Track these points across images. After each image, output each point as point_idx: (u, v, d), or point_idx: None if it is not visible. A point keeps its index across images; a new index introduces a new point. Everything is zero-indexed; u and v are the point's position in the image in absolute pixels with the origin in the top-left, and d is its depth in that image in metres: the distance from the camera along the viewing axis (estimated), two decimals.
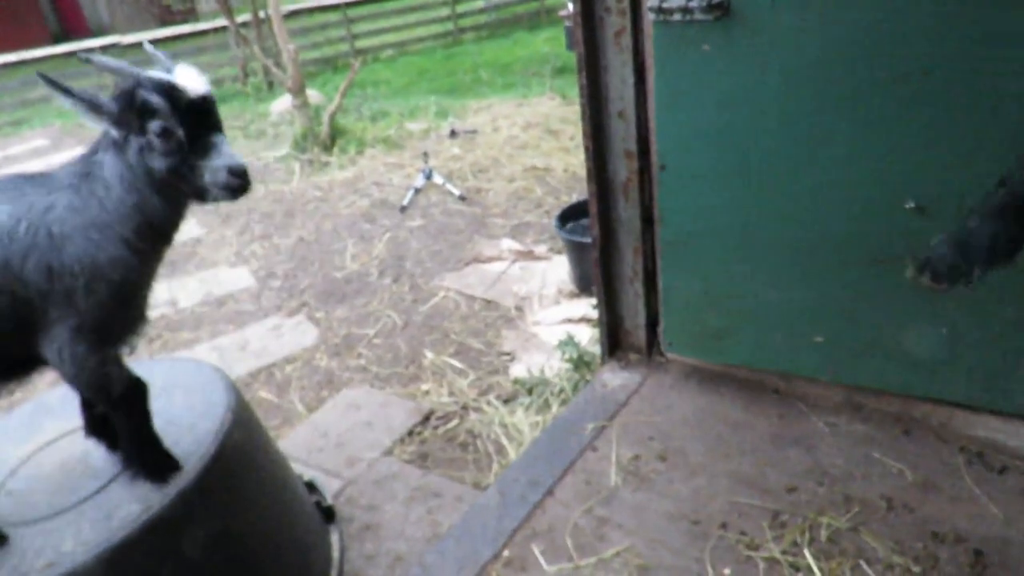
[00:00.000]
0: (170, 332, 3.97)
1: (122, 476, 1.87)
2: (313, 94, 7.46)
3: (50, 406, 2.25)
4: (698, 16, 1.94)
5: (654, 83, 2.12)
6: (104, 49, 12.60)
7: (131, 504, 1.76)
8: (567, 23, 3.27)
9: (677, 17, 1.96)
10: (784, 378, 2.38)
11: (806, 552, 1.83)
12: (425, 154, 5.29)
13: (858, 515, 1.92)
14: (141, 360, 3.17)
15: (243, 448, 2.05)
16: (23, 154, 8.04)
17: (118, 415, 1.76)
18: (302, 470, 2.75)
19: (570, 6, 2.55)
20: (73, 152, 7.69)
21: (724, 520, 1.96)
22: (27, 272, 1.54)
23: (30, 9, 23.75)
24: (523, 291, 3.78)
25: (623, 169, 2.36)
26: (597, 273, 2.57)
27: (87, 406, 1.95)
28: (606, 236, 2.50)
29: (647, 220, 2.41)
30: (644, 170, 2.34)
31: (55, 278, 1.56)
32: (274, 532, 2.10)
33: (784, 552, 1.84)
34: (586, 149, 2.38)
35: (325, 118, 6.08)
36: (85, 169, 1.61)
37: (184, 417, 2.04)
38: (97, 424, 1.97)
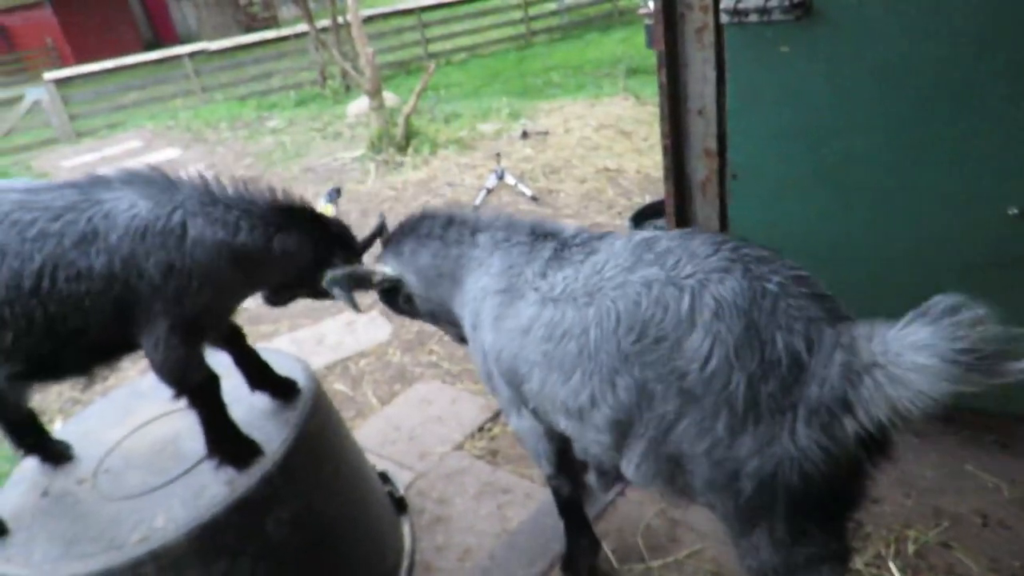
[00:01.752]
0: (252, 325, 4.11)
1: (209, 458, 1.95)
2: (388, 96, 7.62)
3: (142, 391, 2.37)
4: (777, 17, 1.89)
5: (728, 88, 2.08)
6: (192, 55, 13.18)
7: (218, 485, 1.84)
8: (647, 21, 3.23)
9: (753, 18, 1.92)
10: None
11: (891, 565, 1.76)
12: (497, 155, 5.33)
13: (948, 530, 1.83)
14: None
15: (323, 435, 2.11)
16: (119, 154, 8.50)
17: (194, 404, 1.84)
18: (375, 461, 2.81)
19: (650, 4, 2.53)
20: (164, 152, 8.08)
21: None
22: (148, 267, 1.62)
23: (124, 19, 25.11)
24: None
25: (702, 168, 2.33)
26: None
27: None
28: None
29: (725, 219, 2.36)
30: (723, 169, 2.29)
31: (172, 277, 1.65)
32: (352, 517, 2.15)
33: (868, 564, 1.78)
34: (664, 148, 2.35)
35: (400, 120, 6.20)
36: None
37: (268, 404, 2.11)
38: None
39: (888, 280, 2.05)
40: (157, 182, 1.71)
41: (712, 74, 2.17)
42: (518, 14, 15.00)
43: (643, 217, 3.68)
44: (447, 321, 1.92)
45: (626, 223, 3.78)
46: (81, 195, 1.63)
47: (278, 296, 2.05)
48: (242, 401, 2.15)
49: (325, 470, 2.08)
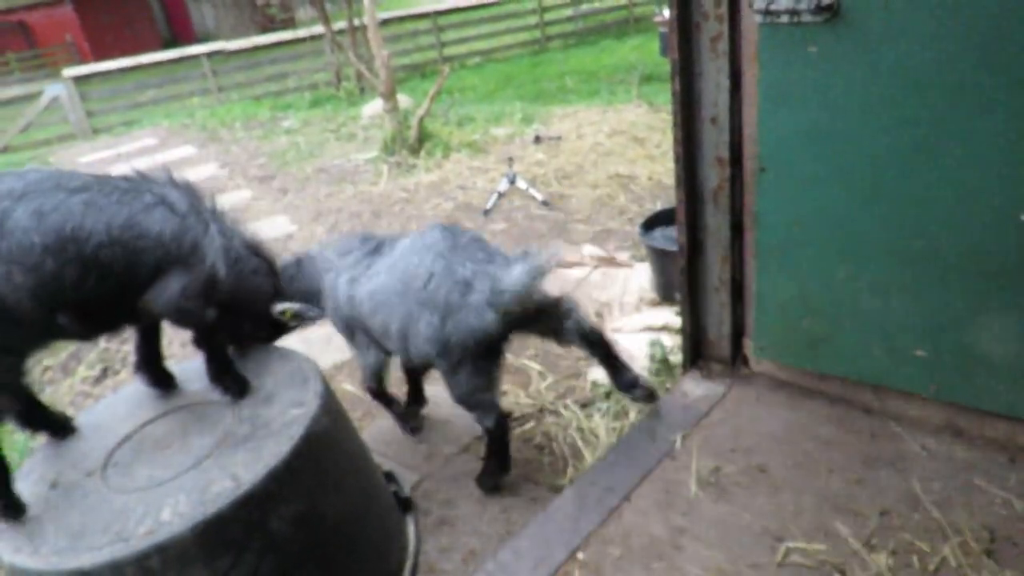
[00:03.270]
0: None
1: (216, 454, 1.97)
2: (402, 99, 7.65)
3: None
4: (806, 18, 1.90)
5: (758, 85, 2.08)
6: (210, 55, 13.29)
7: (224, 480, 1.85)
8: (662, 29, 3.24)
9: (784, 19, 1.93)
10: (877, 396, 2.28)
11: None
12: (510, 159, 5.35)
13: (956, 545, 1.82)
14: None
15: (329, 433, 2.12)
16: (133, 152, 8.57)
17: (204, 340, 2.17)
18: (381, 461, 2.82)
19: (665, 12, 2.53)
20: (179, 150, 8.14)
21: (809, 539, 1.89)
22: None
23: (143, 18, 25.36)
24: (604, 297, 3.76)
25: (714, 176, 2.33)
26: (683, 281, 2.53)
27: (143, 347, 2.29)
28: (693, 244, 2.46)
29: (736, 228, 2.36)
30: (735, 177, 2.29)
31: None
32: (356, 515, 2.16)
33: None
34: (676, 155, 2.36)
35: (414, 122, 6.23)
36: None
37: (274, 401, 2.13)
38: (145, 364, 2.30)
39: (905, 280, 2.05)
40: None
41: (726, 83, 2.18)
42: (533, 19, 15.05)
43: (653, 224, 3.68)
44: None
45: (637, 229, 3.78)
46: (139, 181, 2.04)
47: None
48: (254, 395, 2.18)
49: (331, 469, 2.09)
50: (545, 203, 4.94)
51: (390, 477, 2.64)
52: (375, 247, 2.65)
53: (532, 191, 5.04)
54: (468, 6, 16.38)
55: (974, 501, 1.94)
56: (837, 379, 2.35)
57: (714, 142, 2.28)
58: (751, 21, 2.05)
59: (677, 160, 2.36)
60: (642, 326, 3.41)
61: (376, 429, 3.08)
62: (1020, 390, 1.98)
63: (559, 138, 6.31)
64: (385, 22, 15.26)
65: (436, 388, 3.28)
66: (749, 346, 2.53)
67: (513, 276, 2.17)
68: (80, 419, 2.30)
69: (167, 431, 2.16)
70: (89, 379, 3.91)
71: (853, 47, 1.86)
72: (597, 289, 3.86)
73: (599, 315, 3.63)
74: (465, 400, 2.47)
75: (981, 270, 1.90)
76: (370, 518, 2.23)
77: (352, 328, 2.70)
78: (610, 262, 4.06)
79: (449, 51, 14.55)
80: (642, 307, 3.61)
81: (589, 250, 4.23)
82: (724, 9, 2.09)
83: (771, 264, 2.27)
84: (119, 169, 7.75)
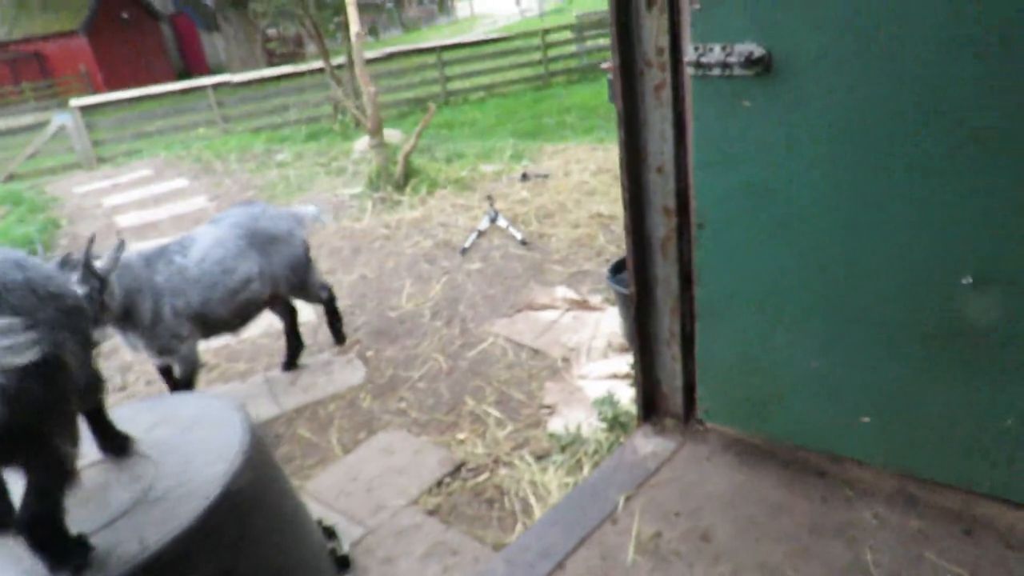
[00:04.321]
0: (229, 362, 4.08)
1: (131, 512, 1.89)
2: (394, 133, 7.68)
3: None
4: (737, 72, 1.84)
5: (693, 139, 2.03)
6: (215, 87, 13.46)
7: (131, 543, 1.77)
8: (609, 76, 3.18)
9: (716, 72, 1.87)
10: (831, 459, 2.18)
11: None
12: (489, 197, 5.30)
13: None
14: (174, 395, 3.28)
15: (253, 489, 2.03)
16: (128, 183, 8.62)
17: None
18: (327, 514, 2.74)
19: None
20: (172, 183, 8.17)
21: None
22: None
23: (156, 50, 25.83)
24: (572, 342, 3.68)
25: (661, 226, 2.26)
26: (634, 332, 2.45)
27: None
28: (643, 294, 2.38)
29: (685, 279, 2.28)
30: (683, 228, 2.22)
31: None
32: None
33: None
34: (624, 203, 2.29)
35: (399, 158, 6.22)
36: None
37: (199, 456, 2.05)
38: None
39: (847, 343, 1.96)
40: None
41: (670, 132, 2.12)
42: (537, 55, 15.18)
43: (622, 267, 3.60)
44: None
45: (606, 272, 3.71)
46: None
47: None
48: (179, 450, 2.10)
49: (253, 528, 2.00)
50: (524, 242, 4.88)
51: (330, 533, 2.55)
52: (176, 248, 3.32)
53: (512, 230, 4.99)
54: (473, 42, 16.62)
55: (925, 575, 1.82)
56: (790, 441, 2.24)
57: (661, 191, 2.21)
58: (689, 74, 1.99)
59: (625, 208, 2.30)
60: (608, 373, 3.32)
61: (328, 477, 2.99)
62: (973, 461, 1.88)
63: (546, 175, 6.27)
64: (391, 56, 15.50)
65: (392, 435, 3.20)
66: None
67: None
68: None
69: (92, 484, 2.07)
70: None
71: (787, 102, 1.80)
72: (567, 333, 3.78)
73: (566, 360, 3.55)
74: None
75: (925, 335, 1.81)
76: None
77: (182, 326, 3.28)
78: (582, 305, 3.98)
79: (453, 85, 14.68)
80: (610, 353, 3.52)
81: (562, 292, 4.16)
82: (667, 58, 2.04)
83: (713, 322, 2.19)
84: (112, 200, 7.78)
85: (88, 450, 2.16)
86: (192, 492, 1.90)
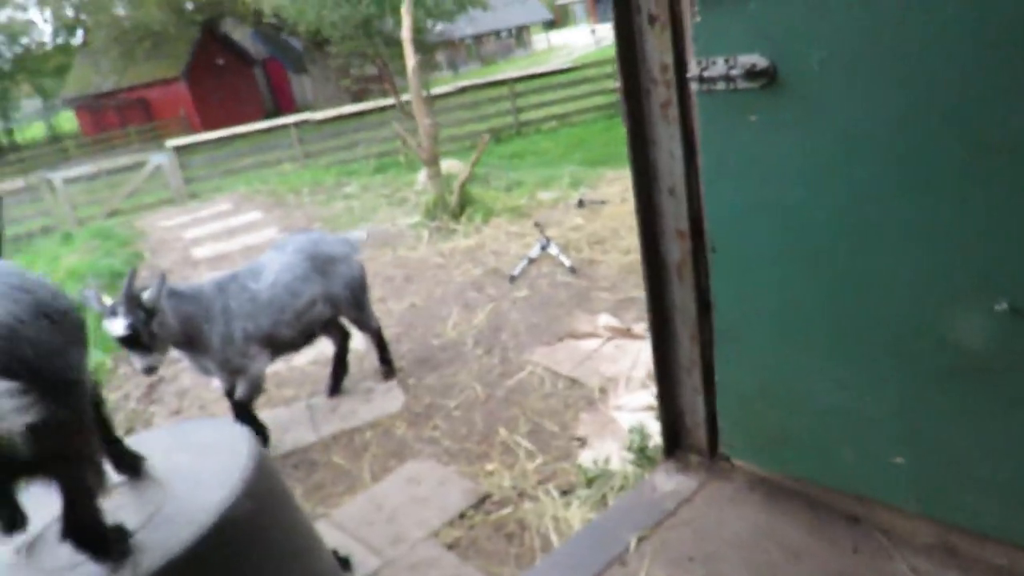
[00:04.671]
0: (277, 388, 4.16)
1: (134, 537, 1.90)
2: (456, 164, 7.78)
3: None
4: (742, 85, 1.73)
5: (701, 157, 1.92)
6: (297, 125, 14.09)
7: (124, 569, 1.78)
8: (618, 95, 3.09)
9: (721, 86, 1.77)
10: (863, 503, 1.98)
11: None
12: (536, 224, 5.26)
13: None
14: (191, 421, 3.38)
15: (252, 519, 2.02)
16: (207, 216, 9.07)
17: None
18: (347, 543, 2.71)
19: None
20: (248, 215, 8.53)
21: None
22: None
23: (250, 91, 27.36)
24: (611, 372, 3.56)
25: (676, 250, 2.15)
26: (655, 362, 2.33)
27: None
28: (661, 323, 2.27)
29: (703, 306, 2.16)
30: (698, 251, 2.10)
31: None
32: None
33: None
34: (639, 228, 2.19)
35: (455, 188, 6.27)
36: None
37: (205, 482, 2.06)
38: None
39: (873, 375, 1.78)
40: None
41: (679, 151, 2.02)
42: (610, 83, 15.14)
43: None
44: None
45: None
46: None
47: None
48: (184, 474, 2.12)
49: (250, 558, 1.99)
50: (572, 269, 4.80)
51: (345, 563, 2.51)
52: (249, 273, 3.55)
53: (562, 257, 4.91)
54: (544, 72, 16.74)
55: None
56: (817, 482, 2.06)
57: (673, 214, 2.11)
58: (693, 89, 1.89)
59: (640, 233, 2.20)
60: (644, 404, 3.18)
61: (353, 506, 2.97)
62: (1017, 514, 1.66)
63: (603, 202, 6.18)
64: (464, 89, 15.82)
65: (421, 465, 3.16)
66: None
67: None
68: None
69: (107, 507, 2.12)
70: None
71: (794, 115, 1.68)
72: (606, 362, 3.66)
73: (603, 391, 3.42)
74: None
75: (958, 367, 1.63)
76: None
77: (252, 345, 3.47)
78: (625, 333, 3.85)
79: (525, 116, 14.84)
80: (649, 383, 3.37)
81: (605, 320, 4.04)
82: (671, 75, 1.95)
83: (729, 351, 2.05)
84: (191, 233, 8.18)
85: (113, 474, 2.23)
86: (189, 520, 1.90)
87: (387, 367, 4.01)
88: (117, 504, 2.07)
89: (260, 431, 3.50)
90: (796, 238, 1.79)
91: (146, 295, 2.93)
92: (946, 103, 1.47)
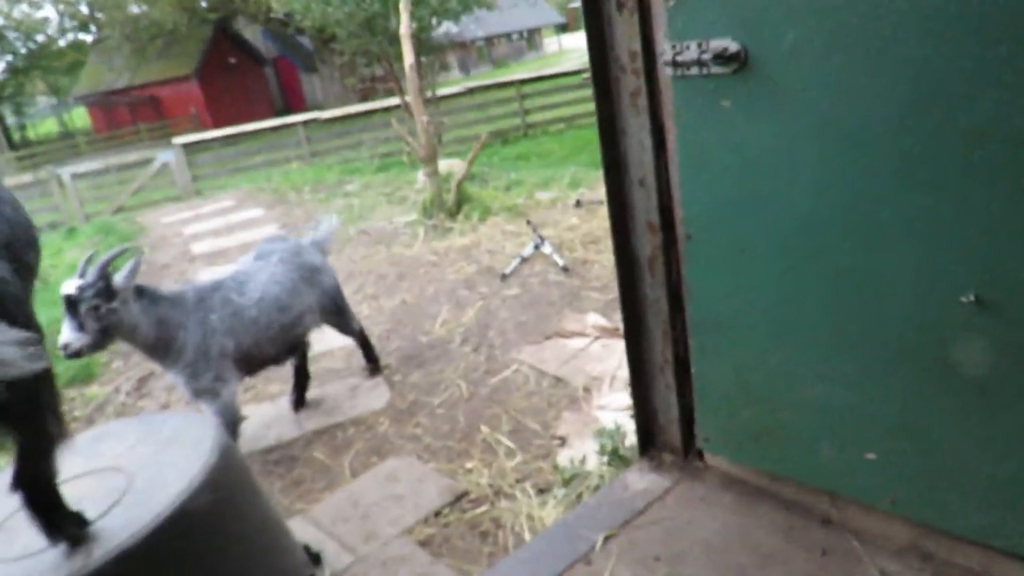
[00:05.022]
0: (264, 384, 4.13)
1: (94, 526, 1.88)
2: (457, 163, 7.74)
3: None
4: (714, 69, 1.69)
5: (676, 145, 1.88)
6: (305, 123, 14.14)
7: (78, 558, 1.76)
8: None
9: (694, 71, 1.72)
10: (836, 504, 1.93)
11: None
12: (529, 222, 5.22)
13: None
14: (159, 413, 3.34)
15: (210, 512, 1.99)
16: (208, 212, 9.08)
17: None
18: (321, 539, 2.68)
19: None
20: (249, 212, 8.54)
21: None
22: None
23: (260, 90, 27.47)
24: (597, 371, 3.51)
25: (647, 243, 2.10)
26: (628, 359, 2.29)
27: None
28: (633, 318, 2.22)
29: (675, 300, 2.11)
30: (669, 244, 2.06)
31: None
32: None
33: None
34: (610, 222, 2.15)
35: (452, 186, 6.24)
36: None
37: (167, 473, 2.03)
38: None
39: (847, 368, 1.73)
40: None
41: (649, 141, 1.97)
42: None
43: None
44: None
45: None
46: None
47: None
48: (148, 466, 2.10)
49: (205, 551, 1.96)
50: (565, 268, 4.75)
51: (317, 560, 2.48)
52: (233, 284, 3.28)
53: (555, 256, 4.87)
54: (551, 75, 16.69)
55: None
56: (793, 480, 2.01)
57: (644, 206, 2.06)
58: (667, 74, 1.85)
59: (611, 226, 2.16)
60: (627, 404, 3.13)
61: (331, 502, 2.93)
62: (992, 514, 1.60)
63: (601, 202, 6.12)
64: (471, 90, 15.81)
65: (400, 462, 3.13)
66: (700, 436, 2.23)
67: None
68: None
69: (72, 497, 2.09)
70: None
71: (768, 100, 1.63)
72: (592, 362, 3.61)
73: (587, 389, 3.38)
74: None
75: (930, 361, 1.58)
76: None
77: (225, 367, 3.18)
78: (613, 333, 3.80)
79: (533, 118, 14.79)
80: None
81: (593, 319, 4.00)
82: (640, 63, 1.91)
83: (707, 344, 2.00)
84: (191, 229, 8.19)
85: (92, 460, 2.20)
86: (145, 511, 1.88)
87: (372, 365, 3.97)
88: (80, 493, 2.05)
89: None
90: (772, 227, 1.74)
91: (117, 276, 2.76)
92: (925, 86, 1.41)
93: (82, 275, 2.68)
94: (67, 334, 2.60)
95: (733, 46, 1.65)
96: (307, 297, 3.45)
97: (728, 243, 1.85)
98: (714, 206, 1.84)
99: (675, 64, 1.76)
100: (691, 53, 1.72)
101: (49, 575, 1.74)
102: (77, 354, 2.64)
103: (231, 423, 3.08)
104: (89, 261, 2.80)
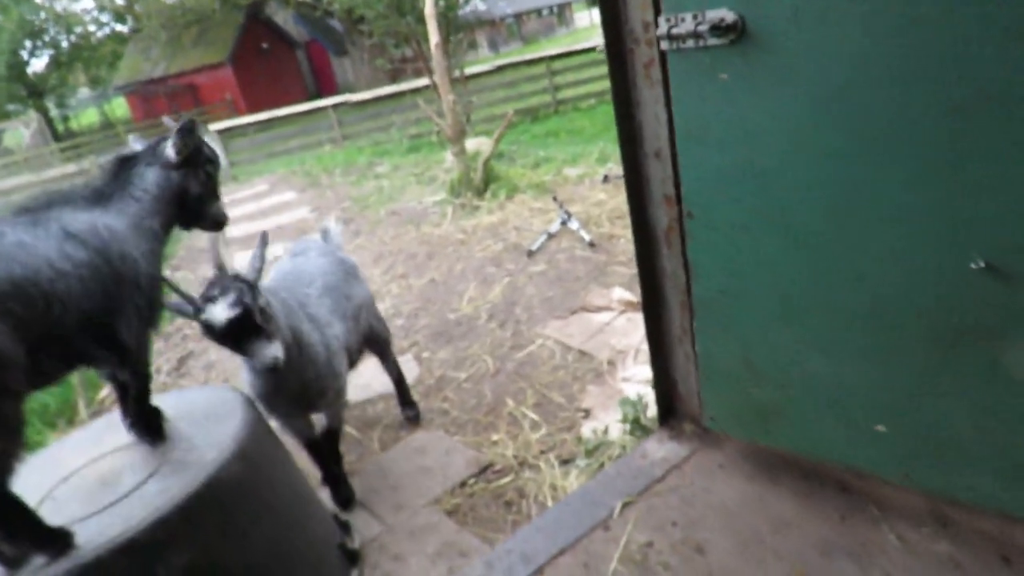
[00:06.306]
0: None
1: (131, 496, 1.98)
2: (486, 142, 7.75)
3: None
4: (711, 41, 1.68)
5: (675, 119, 1.87)
6: (335, 107, 14.25)
7: (117, 525, 1.85)
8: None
9: (690, 44, 1.72)
10: (856, 473, 1.93)
11: None
12: (555, 198, 5.22)
13: None
14: (193, 389, 3.44)
15: (242, 480, 2.08)
16: (244, 197, 9.25)
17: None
18: (351, 509, 2.76)
19: None
20: (282, 196, 8.68)
21: None
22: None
23: (293, 75, 27.67)
24: (621, 344, 3.53)
25: (663, 215, 2.11)
26: (648, 330, 2.31)
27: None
28: (651, 290, 2.24)
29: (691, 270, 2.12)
30: (683, 216, 2.06)
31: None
32: (268, 568, 2.10)
33: None
34: (627, 194, 2.16)
35: (479, 164, 6.26)
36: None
37: (197, 442, 2.13)
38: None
39: (854, 342, 1.73)
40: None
41: (663, 113, 1.97)
42: None
43: None
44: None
45: None
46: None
47: None
48: (184, 439, 2.19)
49: (239, 518, 2.04)
50: (592, 244, 4.76)
51: (346, 528, 2.57)
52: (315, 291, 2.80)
53: (582, 232, 4.88)
54: (580, 50, 16.51)
55: None
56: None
57: (660, 178, 2.07)
58: (664, 48, 1.84)
59: (628, 198, 2.17)
60: (650, 376, 3.14)
61: (361, 474, 3.02)
62: (1004, 482, 1.60)
63: None
64: (501, 68, 15.72)
65: (429, 435, 3.20)
66: None
67: None
68: (43, 452, 2.42)
69: (112, 469, 2.20)
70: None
71: (766, 72, 1.62)
72: (617, 335, 3.63)
73: (611, 363, 3.40)
74: None
75: (936, 333, 1.57)
76: (289, 570, 2.16)
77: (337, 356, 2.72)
78: (638, 307, 3.80)
79: (563, 94, 14.68)
80: None
81: (619, 294, 4.01)
82: (653, 33, 1.90)
83: (710, 322, 2.01)
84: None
85: (121, 438, 2.31)
86: (180, 479, 1.97)
87: (410, 410, 3.38)
88: (119, 465, 2.16)
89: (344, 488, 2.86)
90: (773, 202, 1.74)
91: (247, 265, 2.25)
92: (928, 52, 1.40)
93: (212, 297, 2.14)
94: (262, 353, 2.16)
95: (730, 16, 1.63)
96: (360, 289, 3.03)
97: (729, 220, 1.85)
98: (715, 182, 1.84)
99: (670, 38, 1.75)
100: (687, 25, 1.70)
101: (94, 540, 1.84)
102: (280, 360, 2.18)
103: (339, 429, 2.81)
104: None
